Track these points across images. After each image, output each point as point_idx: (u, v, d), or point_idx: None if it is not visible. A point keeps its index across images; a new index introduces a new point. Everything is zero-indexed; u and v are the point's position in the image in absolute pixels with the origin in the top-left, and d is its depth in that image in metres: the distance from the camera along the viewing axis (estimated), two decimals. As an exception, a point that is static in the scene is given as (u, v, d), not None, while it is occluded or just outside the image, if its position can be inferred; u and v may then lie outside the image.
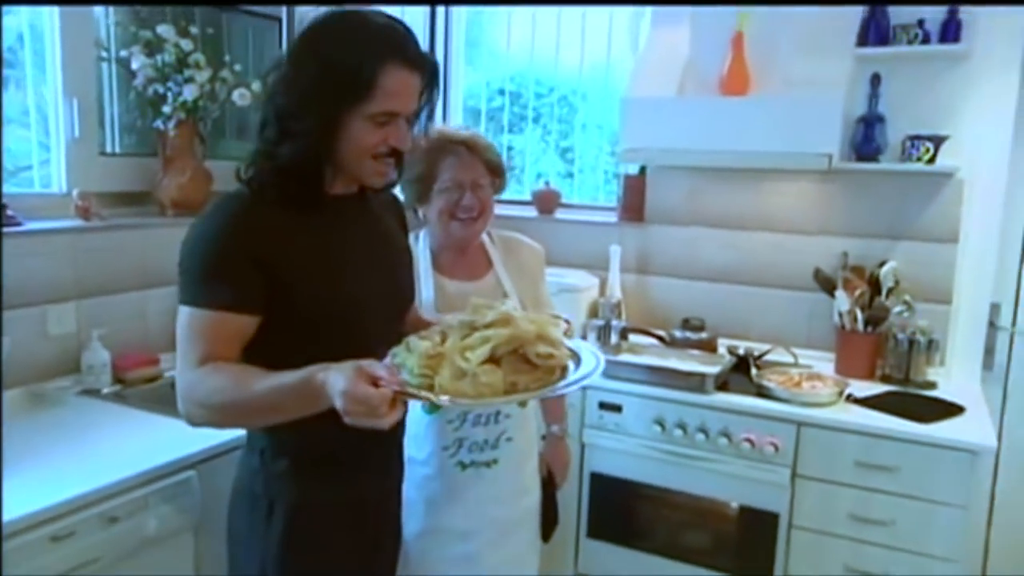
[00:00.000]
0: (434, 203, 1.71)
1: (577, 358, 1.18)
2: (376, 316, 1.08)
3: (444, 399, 1.04)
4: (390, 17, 1.23)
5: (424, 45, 3.29)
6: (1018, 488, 2.63)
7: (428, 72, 1.24)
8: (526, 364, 1.09)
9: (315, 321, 1.04)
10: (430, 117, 1.30)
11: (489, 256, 1.81)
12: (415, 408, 1.70)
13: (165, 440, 1.79)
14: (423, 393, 1.05)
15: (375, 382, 0.98)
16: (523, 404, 1.71)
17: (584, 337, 2.86)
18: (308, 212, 1.21)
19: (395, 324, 1.14)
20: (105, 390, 2.15)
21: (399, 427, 1.37)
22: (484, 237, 1.81)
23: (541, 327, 1.13)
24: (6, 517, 1.43)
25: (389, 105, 1.18)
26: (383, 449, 1.33)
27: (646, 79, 2.67)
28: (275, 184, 1.19)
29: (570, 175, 3.46)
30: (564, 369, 1.14)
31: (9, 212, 2.07)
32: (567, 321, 1.66)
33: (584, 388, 2.32)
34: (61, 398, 2.08)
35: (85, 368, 2.16)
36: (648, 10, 2.90)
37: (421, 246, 1.77)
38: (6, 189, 2.23)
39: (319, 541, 1.27)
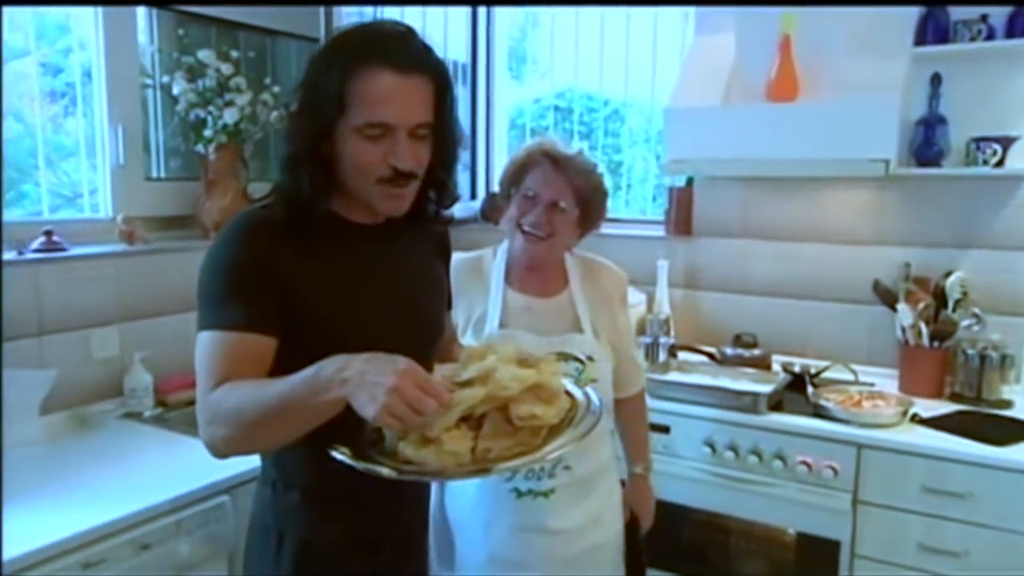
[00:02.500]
0: (511, 208, 1.67)
1: (579, 409, 1.08)
2: (392, 348, 1.01)
3: (387, 472, 0.97)
4: (395, 24, 1.15)
5: (467, 59, 3.33)
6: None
7: (431, 76, 1.12)
8: (510, 424, 0.99)
9: (328, 349, 0.98)
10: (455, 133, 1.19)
11: (567, 275, 1.73)
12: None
13: (202, 464, 1.76)
14: (366, 466, 0.98)
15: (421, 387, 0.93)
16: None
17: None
18: (324, 237, 1.16)
19: (417, 357, 1.05)
20: (147, 413, 2.16)
21: None
22: (566, 255, 1.74)
23: (534, 380, 1.01)
24: (38, 544, 1.43)
25: (374, 115, 1.08)
26: (398, 488, 1.26)
27: (690, 88, 2.58)
28: (283, 212, 1.14)
29: (619, 189, 3.38)
30: (555, 428, 1.03)
31: (55, 238, 2.10)
32: (582, 361, 1.58)
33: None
34: (104, 421, 2.10)
35: (128, 391, 2.17)
36: (692, 19, 2.82)
37: (498, 259, 1.72)
38: (57, 216, 2.29)
39: None
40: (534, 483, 1.62)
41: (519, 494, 1.62)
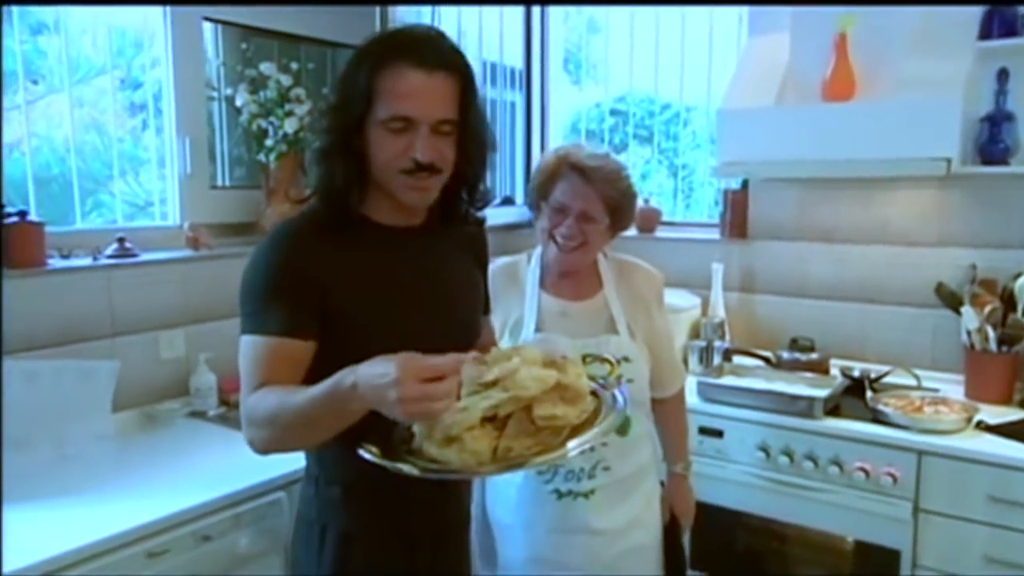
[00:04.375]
0: (541, 218, 1.68)
1: (604, 409, 1.08)
2: (428, 350, 1.03)
3: (409, 470, 0.99)
4: (426, 28, 1.20)
5: (522, 65, 3.35)
6: None
7: (456, 75, 1.16)
8: (534, 424, 1.00)
9: (366, 352, 1.01)
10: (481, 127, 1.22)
11: (601, 278, 1.73)
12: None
13: (261, 461, 1.80)
14: (393, 464, 1.01)
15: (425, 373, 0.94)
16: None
17: (685, 359, 2.74)
18: (359, 242, 1.20)
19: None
20: (211, 412, 2.24)
21: None
22: (599, 257, 1.74)
23: (556, 381, 1.02)
24: (106, 533, 1.50)
25: (398, 108, 1.12)
26: (437, 486, 1.26)
27: (743, 89, 2.55)
28: (317, 208, 1.19)
29: (680, 192, 3.35)
30: (578, 428, 1.03)
31: (127, 244, 2.20)
32: (612, 363, 1.57)
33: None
34: (171, 419, 2.18)
35: (193, 391, 2.26)
36: (746, 20, 2.78)
37: (532, 264, 1.73)
38: (131, 224, 2.40)
39: (369, 571, 1.24)
40: (574, 484, 1.62)
41: (560, 495, 1.62)
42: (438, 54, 1.15)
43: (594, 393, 1.12)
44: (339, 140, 1.16)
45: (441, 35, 1.19)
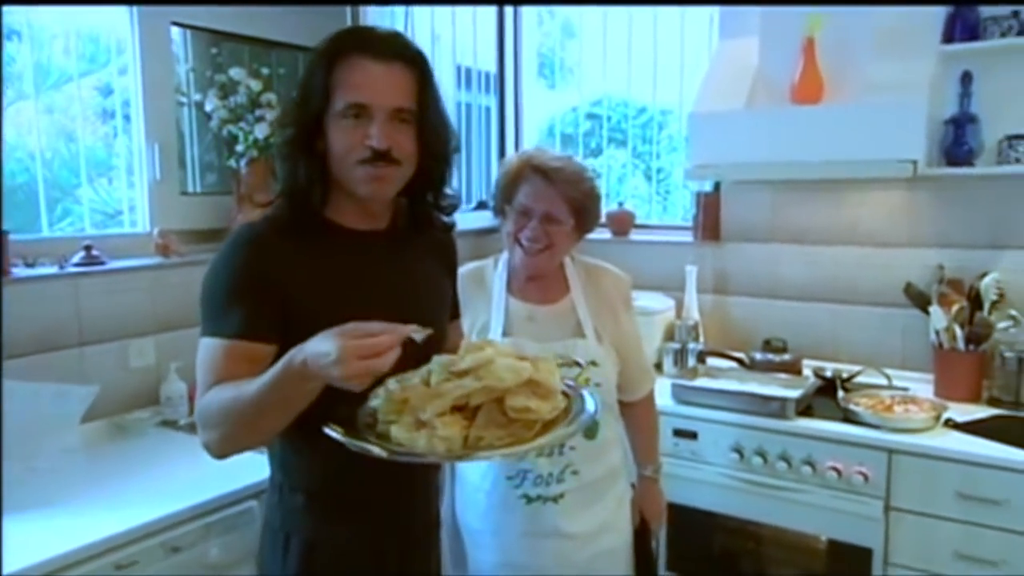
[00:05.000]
0: (506, 223, 1.68)
1: (574, 407, 1.08)
2: None
3: (378, 452, 0.98)
4: (387, 28, 1.22)
5: (493, 68, 3.36)
6: None
7: (413, 67, 1.17)
8: (505, 416, 1.00)
9: None
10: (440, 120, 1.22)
11: (568, 281, 1.73)
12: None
13: (232, 471, 1.79)
14: (360, 444, 1.00)
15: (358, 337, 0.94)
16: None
17: (659, 362, 2.75)
18: (323, 245, 1.19)
19: (419, 364, 1.08)
20: (182, 421, 2.21)
21: (422, 473, 1.31)
22: (566, 261, 1.74)
23: (530, 374, 1.02)
24: (74, 545, 1.48)
25: (353, 97, 1.13)
26: (401, 491, 1.27)
27: (714, 92, 2.57)
28: (281, 210, 1.19)
29: (656, 196, 3.37)
30: (549, 423, 1.03)
31: (94, 252, 2.17)
32: (582, 365, 1.58)
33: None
34: (141, 429, 2.15)
35: (164, 400, 2.23)
36: (717, 23, 2.81)
37: (499, 269, 1.74)
38: (99, 231, 2.37)
39: None
40: (543, 488, 1.62)
41: (529, 500, 1.63)
42: (394, 47, 1.17)
43: (564, 394, 1.11)
44: (299, 135, 1.17)
45: (399, 33, 1.21)
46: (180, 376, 2.24)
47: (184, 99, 2.57)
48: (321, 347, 0.95)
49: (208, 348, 1.13)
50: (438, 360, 1.04)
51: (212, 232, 2.58)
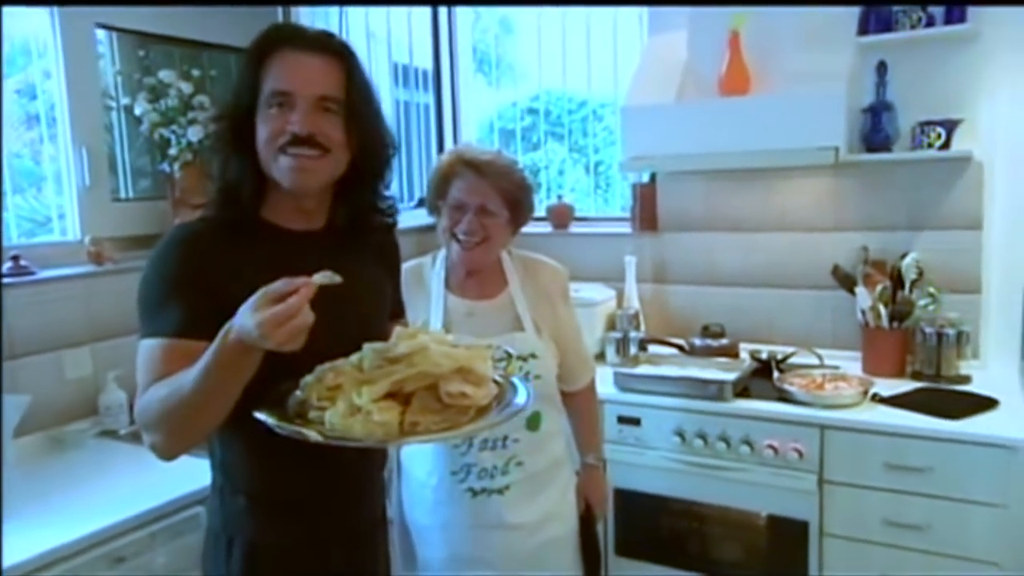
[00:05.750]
0: (441, 219, 1.70)
1: (507, 395, 1.11)
2: (331, 355, 1.04)
3: (314, 436, 0.99)
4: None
5: (429, 63, 3.36)
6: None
7: (339, 58, 1.19)
8: (439, 402, 1.02)
9: (267, 354, 1.01)
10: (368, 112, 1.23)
11: (505, 276, 1.76)
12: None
13: (177, 478, 1.79)
14: (293, 428, 1.00)
15: (280, 298, 0.95)
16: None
17: (602, 352, 2.81)
18: (257, 244, 1.19)
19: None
20: (123, 431, 2.17)
21: (365, 470, 1.32)
22: (504, 255, 1.77)
23: (464, 361, 1.05)
24: (10, 561, 1.45)
25: (276, 85, 1.15)
26: (344, 489, 1.28)
27: (645, 86, 2.64)
28: (216, 209, 1.20)
29: (597, 188, 3.42)
30: (483, 409, 1.06)
31: (23, 262, 2.12)
32: (508, 355, 1.62)
33: (600, 402, 2.25)
34: (80, 441, 2.11)
35: (103, 410, 2.19)
36: (647, 19, 2.88)
37: (437, 267, 1.75)
38: (26, 241, 2.31)
39: None
40: (488, 481, 1.65)
41: (474, 493, 1.65)
42: (320, 39, 1.19)
43: (496, 382, 1.14)
44: (228, 130, 1.18)
45: (328, 31, 1.23)
46: (119, 385, 2.20)
47: (113, 103, 2.51)
48: (245, 324, 0.95)
49: (146, 349, 1.12)
50: (370, 347, 1.05)
51: (147, 238, 2.53)
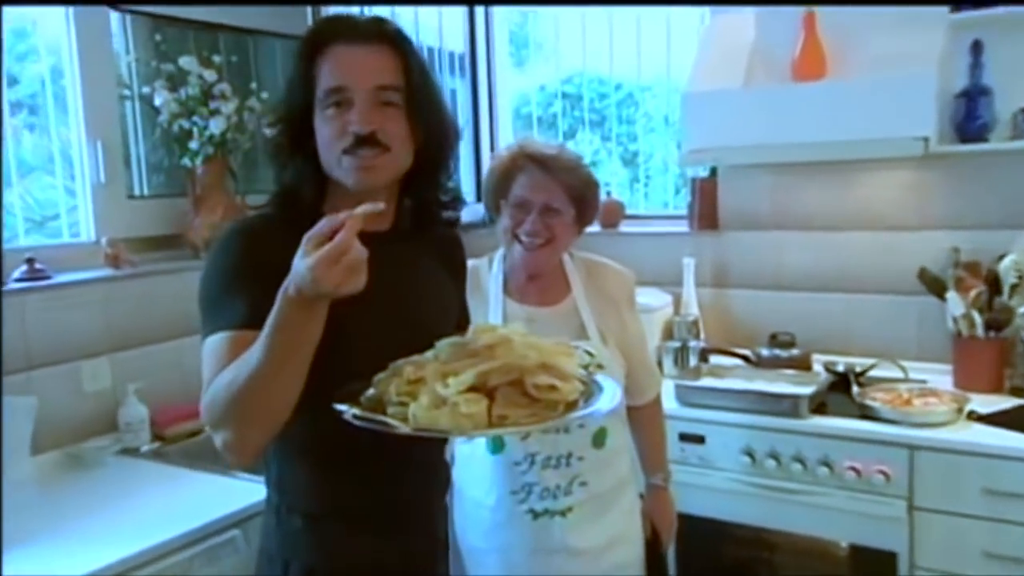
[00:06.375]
0: (502, 219, 1.72)
1: (593, 394, 1.12)
2: (394, 354, 1.07)
3: (401, 427, 1.01)
4: (366, 14, 1.29)
5: (464, 49, 3.39)
6: None
7: (395, 46, 1.22)
8: (525, 397, 1.03)
9: (326, 360, 1.04)
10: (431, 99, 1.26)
11: (568, 281, 1.78)
12: (479, 448, 1.71)
13: (208, 498, 1.84)
14: (379, 417, 1.02)
15: (326, 239, 0.97)
16: (527, 437, 1.63)
17: (659, 362, 2.82)
18: None
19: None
20: (144, 448, 2.23)
21: (427, 492, 1.36)
22: (565, 258, 1.79)
23: (548, 356, 1.07)
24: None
25: (332, 81, 1.18)
26: (407, 512, 1.30)
27: (708, 70, 2.64)
28: (274, 208, 1.25)
29: (636, 182, 3.43)
30: (571, 405, 1.07)
31: (38, 265, 2.17)
32: (590, 353, 1.63)
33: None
34: (99, 459, 2.15)
35: (123, 425, 2.24)
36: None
37: (495, 270, 1.78)
38: (34, 241, 2.36)
39: None
40: (550, 502, 1.67)
41: (535, 515, 1.68)
42: (372, 28, 1.22)
43: (580, 380, 1.15)
44: (284, 133, 1.22)
45: (380, 17, 1.27)
46: (140, 399, 2.25)
47: (127, 92, 2.57)
48: (298, 271, 0.98)
49: (210, 346, 1.14)
50: (447, 341, 1.07)
51: (164, 239, 2.59)
